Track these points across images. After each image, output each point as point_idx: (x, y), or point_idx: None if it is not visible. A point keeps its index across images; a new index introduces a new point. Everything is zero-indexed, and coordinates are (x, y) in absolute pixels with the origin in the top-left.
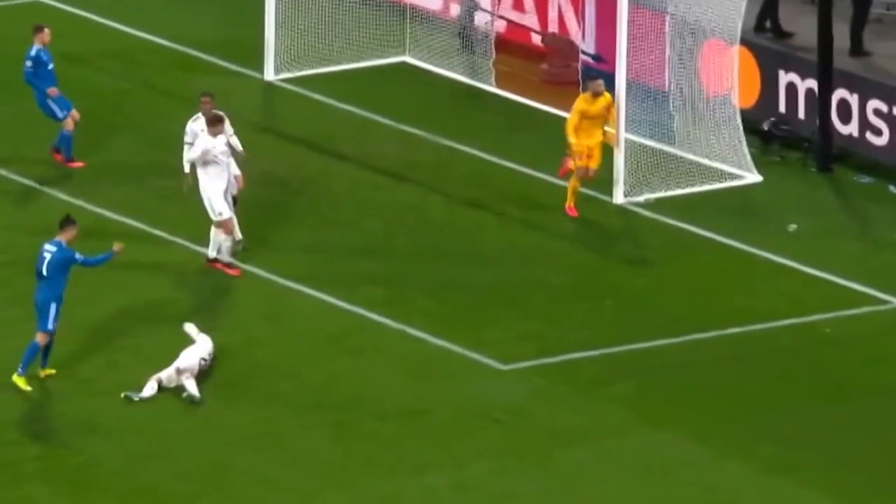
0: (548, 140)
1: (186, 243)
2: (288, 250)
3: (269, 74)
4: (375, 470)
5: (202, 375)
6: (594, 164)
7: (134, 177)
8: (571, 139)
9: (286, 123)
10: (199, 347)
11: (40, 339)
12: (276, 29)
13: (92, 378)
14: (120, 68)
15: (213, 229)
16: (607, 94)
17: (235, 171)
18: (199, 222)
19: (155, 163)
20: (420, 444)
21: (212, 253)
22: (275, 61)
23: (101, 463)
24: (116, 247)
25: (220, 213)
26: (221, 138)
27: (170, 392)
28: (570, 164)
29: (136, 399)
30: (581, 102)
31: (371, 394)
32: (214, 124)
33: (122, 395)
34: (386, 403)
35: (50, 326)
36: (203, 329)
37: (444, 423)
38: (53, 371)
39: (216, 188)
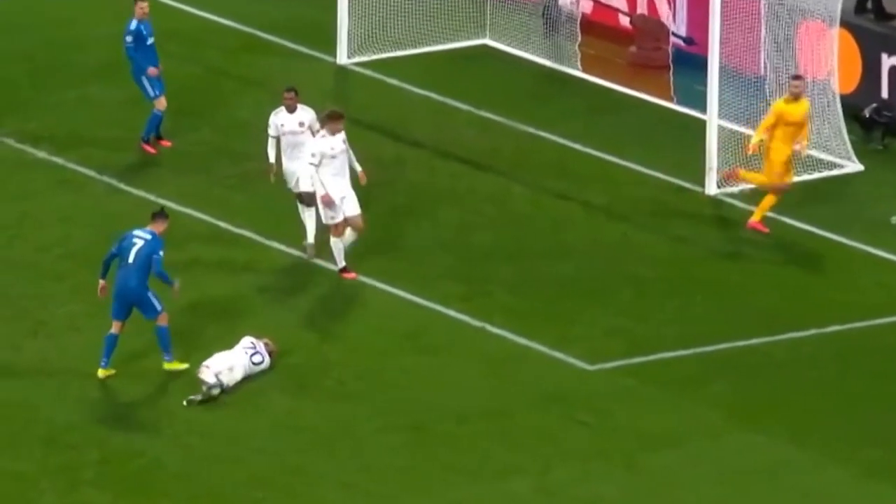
0: (634, 126)
1: (255, 236)
2: (361, 242)
3: (342, 58)
4: (454, 475)
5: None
6: (789, 178)
7: (200, 166)
8: (757, 137)
9: (359, 109)
10: (234, 359)
11: (163, 321)
12: (349, 9)
13: (155, 378)
14: (185, 51)
15: (331, 239)
16: (805, 101)
17: (357, 166)
18: (267, 214)
19: (222, 150)
20: (501, 448)
21: (341, 262)
22: (348, 44)
23: (164, 466)
24: (176, 286)
25: (333, 217)
26: (340, 135)
27: (237, 391)
28: (740, 171)
29: (197, 400)
30: (781, 104)
31: (449, 394)
32: (335, 120)
33: (185, 401)
34: (464, 405)
35: (158, 307)
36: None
37: (527, 425)
38: (113, 371)
39: (335, 189)
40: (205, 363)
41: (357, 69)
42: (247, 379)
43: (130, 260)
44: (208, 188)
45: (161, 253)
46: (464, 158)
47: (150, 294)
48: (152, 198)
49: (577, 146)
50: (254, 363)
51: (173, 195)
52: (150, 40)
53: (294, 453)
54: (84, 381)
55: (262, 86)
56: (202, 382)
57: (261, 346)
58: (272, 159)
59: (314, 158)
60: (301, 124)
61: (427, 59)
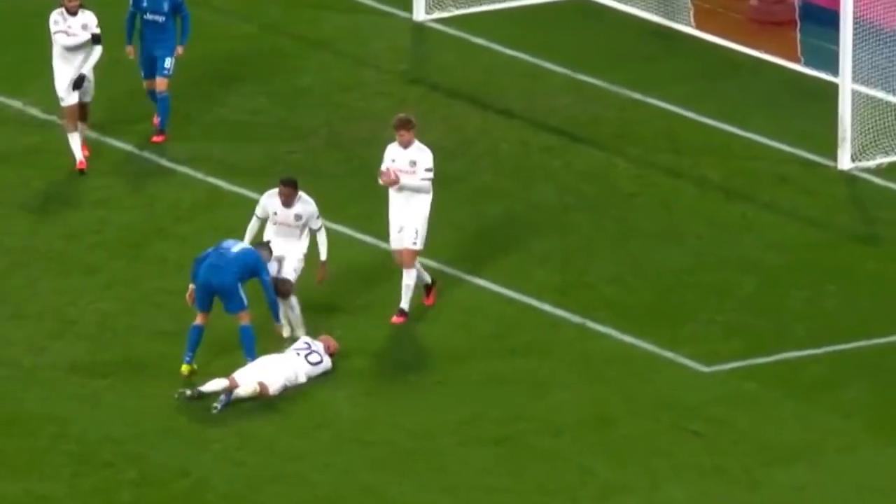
0: (755, 91)
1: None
2: (441, 226)
3: (419, 13)
4: (550, 495)
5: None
6: None
7: (257, 140)
8: None
9: (440, 73)
10: (289, 366)
11: (245, 319)
12: None
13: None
14: (238, 7)
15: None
16: None
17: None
18: (335, 195)
19: (281, 122)
20: (604, 463)
21: (427, 278)
22: None
23: (212, 487)
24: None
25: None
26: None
27: (297, 401)
28: None
29: (189, 393)
30: None
31: (543, 402)
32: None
33: (177, 394)
34: (562, 413)
35: (245, 302)
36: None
37: (633, 436)
38: (195, 368)
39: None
40: (246, 369)
41: (436, 26)
42: (304, 383)
43: (234, 250)
44: (267, 166)
45: (268, 279)
46: (559, 129)
47: (238, 286)
48: (199, 176)
49: (690, 114)
50: (311, 363)
51: (225, 174)
52: (151, 16)
53: (365, 471)
54: (120, 389)
55: (327, 47)
56: (229, 390)
57: (318, 345)
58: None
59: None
60: (298, 217)
61: (517, 14)
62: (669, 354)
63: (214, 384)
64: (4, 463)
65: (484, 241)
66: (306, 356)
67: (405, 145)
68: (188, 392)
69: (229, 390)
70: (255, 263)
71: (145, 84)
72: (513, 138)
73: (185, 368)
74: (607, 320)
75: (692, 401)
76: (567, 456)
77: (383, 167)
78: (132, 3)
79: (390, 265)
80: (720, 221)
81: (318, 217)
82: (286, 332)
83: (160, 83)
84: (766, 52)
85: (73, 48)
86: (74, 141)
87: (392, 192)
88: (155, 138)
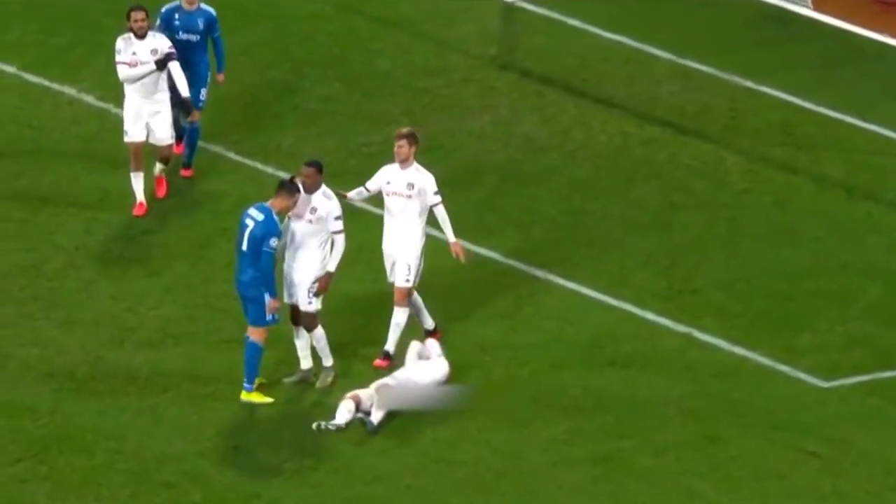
0: (880, 79)
1: None
2: (534, 227)
3: None
4: None
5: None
6: None
7: (330, 130)
8: None
9: (532, 58)
10: (424, 370)
11: (258, 336)
12: None
13: (287, 396)
14: None
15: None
16: None
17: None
18: None
19: (358, 110)
20: (711, 486)
21: (429, 322)
22: None
23: None
24: (271, 304)
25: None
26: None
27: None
28: None
29: (332, 428)
30: None
31: (645, 418)
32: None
33: (314, 425)
34: (665, 431)
35: (268, 318)
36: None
37: (744, 457)
38: (264, 380)
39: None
40: (382, 382)
41: (529, 7)
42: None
43: (244, 247)
44: (343, 158)
45: (273, 243)
46: (663, 120)
47: (267, 297)
48: (269, 170)
49: (807, 104)
50: (424, 373)
51: (296, 168)
52: (186, 35)
53: (449, 493)
54: (182, 403)
55: (407, 28)
56: (370, 410)
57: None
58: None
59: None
60: (313, 210)
61: None
62: (784, 368)
63: (346, 412)
64: (58, 482)
65: (581, 242)
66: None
67: (403, 163)
68: (327, 425)
69: (358, 408)
70: (261, 234)
71: (173, 113)
72: (612, 130)
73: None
74: (716, 329)
75: (809, 418)
76: (671, 477)
77: (371, 188)
78: (162, 22)
79: (477, 266)
80: (841, 221)
81: (337, 218)
82: (306, 364)
83: (194, 115)
84: (892, 35)
85: (142, 77)
86: (137, 182)
87: (386, 218)
88: (183, 172)
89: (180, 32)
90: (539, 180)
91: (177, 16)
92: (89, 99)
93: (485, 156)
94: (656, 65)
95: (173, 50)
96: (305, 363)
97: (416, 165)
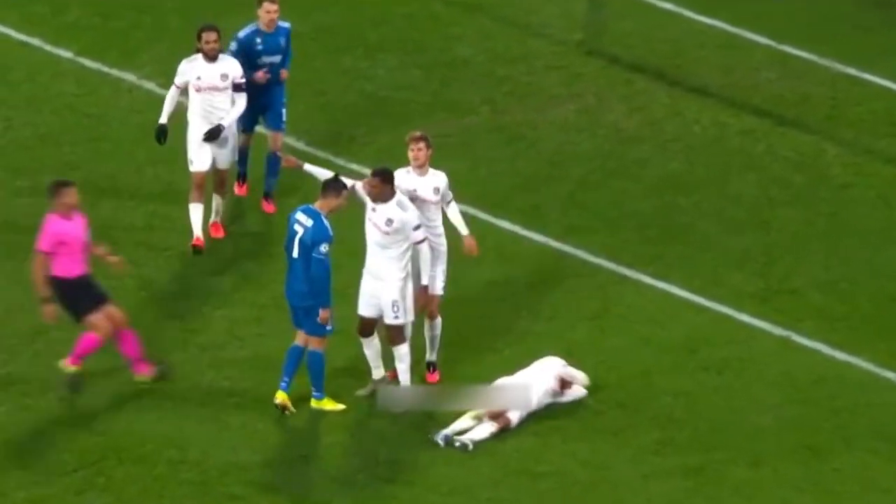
0: None
1: (479, 213)
2: (623, 223)
3: None
4: None
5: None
6: None
7: (408, 119)
8: None
9: (621, 44)
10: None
11: (318, 345)
12: None
13: (359, 405)
14: None
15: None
16: None
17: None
18: (496, 183)
19: (437, 99)
20: (811, 498)
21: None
22: None
23: None
24: (323, 315)
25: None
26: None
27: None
28: None
29: (465, 444)
30: None
31: (740, 427)
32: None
33: (430, 436)
34: (762, 441)
35: (328, 327)
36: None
37: (846, 470)
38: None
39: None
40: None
41: None
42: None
43: (295, 254)
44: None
45: (324, 249)
46: (761, 109)
47: (328, 306)
48: (341, 162)
49: None
50: (544, 382)
51: (370, 158)
52: (270, 58)
53: None
54: (248, 409)
55: (488, 12)
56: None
57: (563, 368)
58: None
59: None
60: (389, 222)
61: None
62: (890, 374)
63: (486, 432)
64: (116, 494)
65: (673, 239)
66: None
67: (422, 168)
68: (445, 439)
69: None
70: (312, 240)
71: (241, 140)
72: (707, 120)
73: (279, 397)
74: (816, 333)
75: None
76: (768, 491)
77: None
78: (241, 48)
79: (561, 265)
80: None
81: (417, 228)
82: (378, 375)
83: (277, 139)
84: None
85: (210, 102)
86: (196, 214)
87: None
88: (266, 207)
89: (263, 56)
90: (628, 174)
91: (258, 39)
92: (150, 86)
93: (570, 147)
94: (753, 51)
95: (244, 79)
96: (377, 373)
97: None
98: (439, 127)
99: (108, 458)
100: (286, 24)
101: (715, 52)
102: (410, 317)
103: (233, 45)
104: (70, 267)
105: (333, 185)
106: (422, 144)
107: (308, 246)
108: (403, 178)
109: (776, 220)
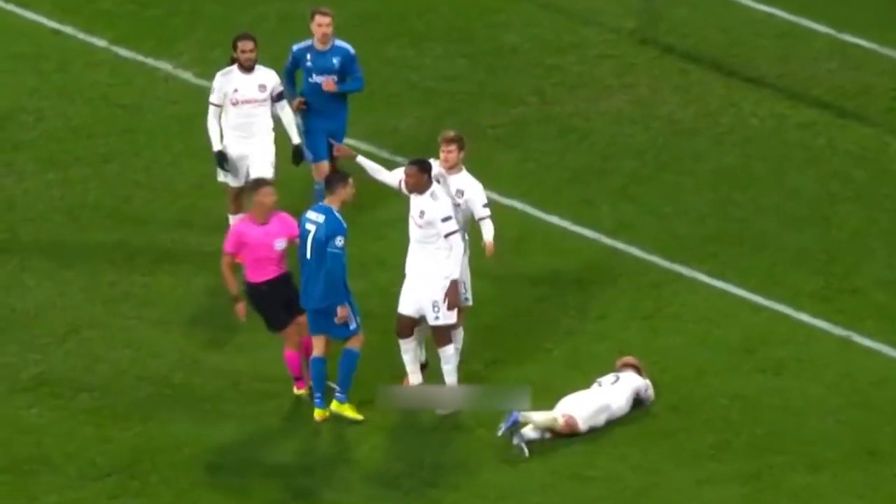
0: None
1: (528, 208)
2: (677, 219)
3: None
4: None
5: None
6: None
7: (451, 111)
8: None
9: (675, 32)
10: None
11: (356, 343)
12: None
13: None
14: None
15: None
16: None
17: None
18: (545, 178)
19: (483, 89)
20: None
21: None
22: None
23: None
24: (342, 314)
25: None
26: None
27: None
28: None
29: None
30: None
31: (799, 431)
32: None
33: (500, 431)
34: (821, 445)
35: (353, 325)
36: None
37: None
38: (328, 413)
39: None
40: (564, 411)
41: None
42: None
43: (308, 256)
44: (481, 149)
45: (339, 242)
46: (821, 101)
47: (347, 308)
48: (385, 154)
49: None
50: (617, 392)
51: (415, 152)
52: (320, 77)
53: None
54: (288, 412)
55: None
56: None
57: (627, 374)
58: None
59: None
60: (422, 214)
61: None
62: None
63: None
64: (150, 498)
65: (728, 235)
66: (612, 384)
67: (451, 169)
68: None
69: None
70: (326, 237)
71: (316, 170)
72: (764, 112)
73: (318, 414)
74: (878, 333)
75: None
76: (827, 497)
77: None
78: (292, 59)
79: (613, 262)
80: None
81: (445, 220)
82: (415, 380)
83: (321, 168)
84: None
85: (247, 115)
86: None
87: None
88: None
89: (313, 75)
90: (683, 167)
91: (309, 56)
92: (187, 75)
93: (622, 140)
94: (813, 40)
95: (283, 88)
96: (414, 378)
97: (465, 171)
98: (486, 118)
99: (142, 462)
100: (346, 46)
101: (772, 41)
102: (453, 318)
103: (288, 63)
104: (254, 272)
105: (339, 177)
106: (453, 147)
107: (322, 242)
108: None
109: (836, 217)
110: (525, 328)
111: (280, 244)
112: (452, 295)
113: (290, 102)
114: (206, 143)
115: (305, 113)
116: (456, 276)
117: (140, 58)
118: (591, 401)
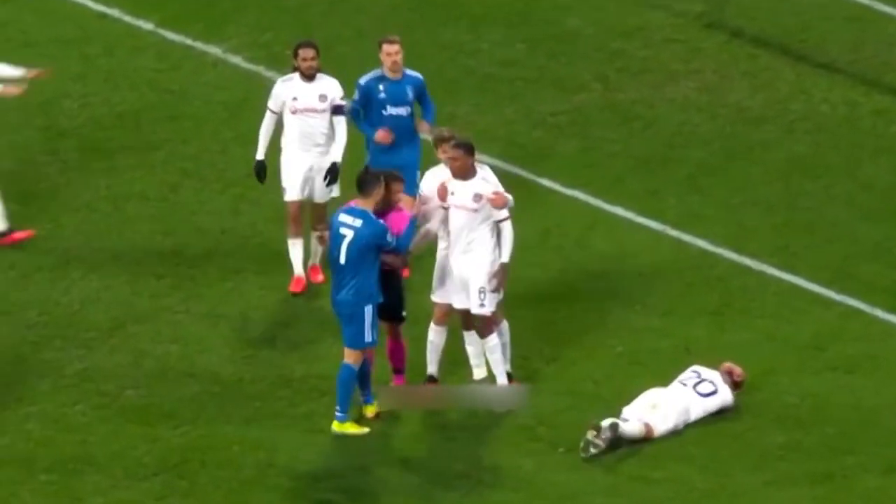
0: None
1: (590, 199)
2: (746, 210)
3: None
4: None
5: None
6: None
7: (509, 98)
8: None
9: (744, 16)
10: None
11: (353, 358)
12: None
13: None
14: None
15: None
16: None
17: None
18: (609, 167)
19: (542, 76)
20: None
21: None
22: None
23: None
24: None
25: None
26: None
27: (560, 427)
28: None
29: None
30: None
31: (872, 431)
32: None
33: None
34: None
35: (368, 338)
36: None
37: None
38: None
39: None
40: (644, 419)
41: None
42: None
43: (342, 261)
44: (525, 130)
45: (391, 238)
46: (895, 88)
47: (368, 313)
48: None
49: None
50: (701, 394)
51: (473, 139)
52: (395, 110)
53: None
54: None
55: None
56: (607, 431)
57: (711, 373)
58: None
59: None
60: (477, 197)
61: None
62: None
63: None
64: (199, 498)
65: (799, 227)
66: (695, 386)
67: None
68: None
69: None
70: (367, 242)
71: None
72: (836, 99)
73: (368, 410)
74: None
75: None
76: None
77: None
78: (361, 96)
79: (679, 255)
80: None
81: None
82: (479, 374)
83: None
84: None
85: (307, 125)
86: (296, 250)
87: (447, 234)
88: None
89: (387, 107)
90: (752, 157)
91: (381, 87)
92: (236, 60)
93: (689, 128)
94: (886, 24)
95: (345, 101)
96: (478, 372)
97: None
98: (546, 105)
99: (190, 461)
100: (417, 75)
101: (844, 24)
102: (495, 305)
103: (356, 97)
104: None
105: (372, 178)
106: (459, 152)
107: (364, 247)
108: (439, 177)
109: None
110: (586, 324)
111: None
112: (501, 276)
113: (370, 136)
114: (255, 131)
115: (375, 151)
116: (507, 259)
117: (188, 41)
118: (675, 411)
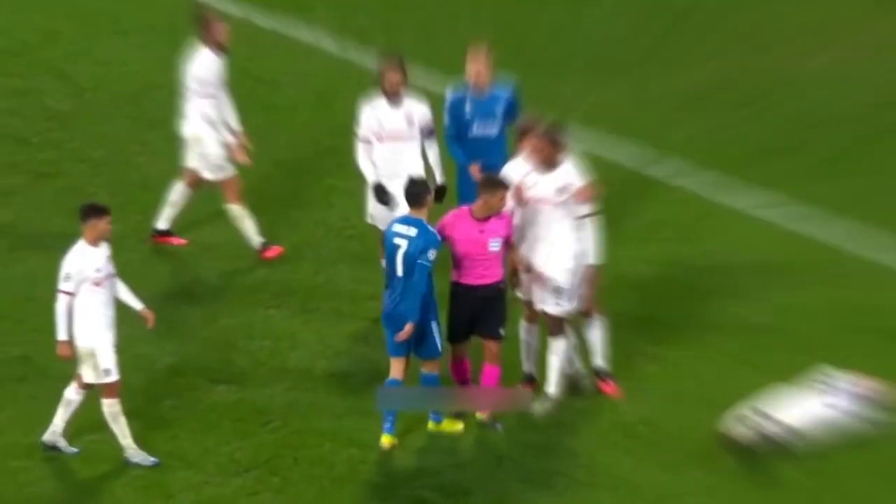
0: None
1: (707, 186)
2: (873, 199)
3: None
4: None
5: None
6: None
7: (618, 75)
8: None
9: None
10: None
11: (435, 367)
12: None
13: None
14: None
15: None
16: None
17: None
18: (723, 158)
19: (652, 53)
20: None
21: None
22: None
23: None
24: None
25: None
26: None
27: (658, 425)
28: None
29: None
30: None
31: None
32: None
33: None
34: None
35: (440, 347)
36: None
37: None
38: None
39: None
40: (759, 409)
41: None
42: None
43: (399, 272)
44: (633, 111)
45: (432, 256)
46: None
47: (433, 323)
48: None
49: None
50: (827, 405)
51: (577, 120)
52: (482, 130)
53: None
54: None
55: None
56: (751, 433)
57: (844, 384)
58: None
59: None
60: (561, 191)
61: None
62: None
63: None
64: (292, 495)
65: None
66: (834, 399)
67: (548, 166)
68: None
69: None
70: (420, 250)
71: None
72: None
73: (385, 440)
74: None
75: None
76: None
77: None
78: (449, 117)
79: (799, 247)
80: None
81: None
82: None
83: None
84: None
85: (394, 152)
86: None
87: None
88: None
89: (474, 127)
90: (890, 141)
91: (467, 106)
92: (328, 47)
93: (820, 109)
94: None
95: (433, 126)
96: (575, 363)
97: (565, 164)
98: (656, 86)
99: (283, 457)
100: (509, 87)
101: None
102: (570, 306)
103: (447, 119)
104: (459, 270)
105: (422, 188)
106: (545, 143)
107: (415, 256)
108: (520, 169)
109: None
110: (696, 321)
111: (495, 244)
112: (591, 281)
113: (465, 168)
114: (347, 120)
115: (464, 174)
116: (595, 260)
117: (278, 28)
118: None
